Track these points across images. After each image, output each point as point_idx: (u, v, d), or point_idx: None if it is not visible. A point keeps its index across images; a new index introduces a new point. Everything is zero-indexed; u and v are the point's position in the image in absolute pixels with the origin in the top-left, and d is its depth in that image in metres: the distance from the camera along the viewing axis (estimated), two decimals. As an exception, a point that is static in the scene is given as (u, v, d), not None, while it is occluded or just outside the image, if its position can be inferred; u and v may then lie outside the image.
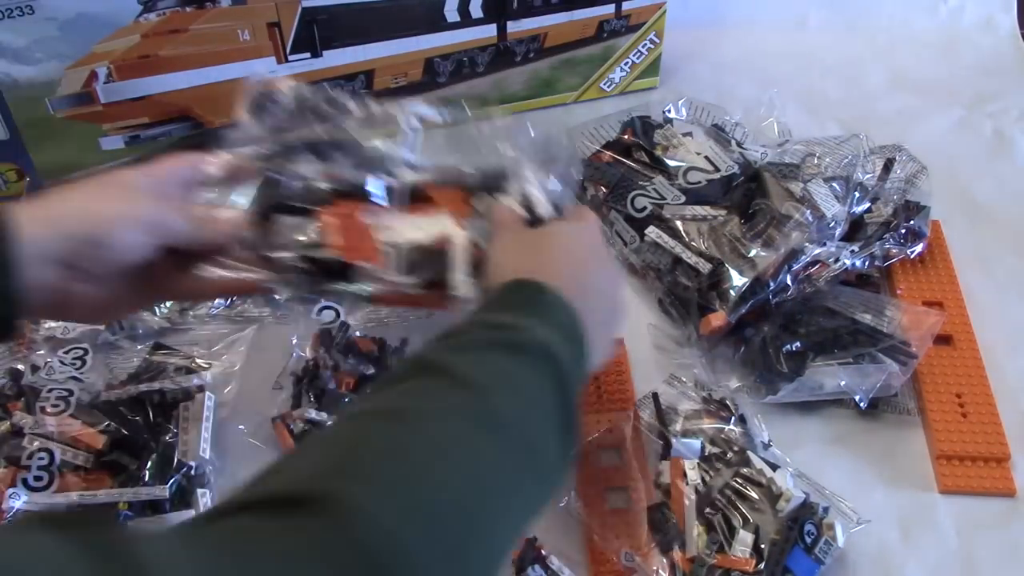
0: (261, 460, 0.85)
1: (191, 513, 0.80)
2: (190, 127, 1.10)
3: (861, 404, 0.88)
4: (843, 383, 0.87)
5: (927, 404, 0.90)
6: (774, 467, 0.81)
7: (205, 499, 0.82)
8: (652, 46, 1.23)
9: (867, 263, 0.96)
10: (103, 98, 1.04)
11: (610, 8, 1.18)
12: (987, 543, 0.82)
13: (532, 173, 0.78)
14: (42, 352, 0.92)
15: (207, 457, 0.84)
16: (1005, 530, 0.83)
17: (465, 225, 0.76)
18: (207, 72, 1.07)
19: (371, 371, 0.90)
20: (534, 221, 0.74)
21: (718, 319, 0.91)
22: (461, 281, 0.74)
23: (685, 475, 0.81)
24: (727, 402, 0.89)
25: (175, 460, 0.83)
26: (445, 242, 0.75)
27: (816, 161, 1.03)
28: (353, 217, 0.78)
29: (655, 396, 0.89)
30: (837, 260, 0.93)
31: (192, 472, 0.83)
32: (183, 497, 0.82)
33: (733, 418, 0.86)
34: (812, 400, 0.90)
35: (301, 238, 0.76)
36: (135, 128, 1.08)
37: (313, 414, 0.87)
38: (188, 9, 1.01)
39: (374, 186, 0.79)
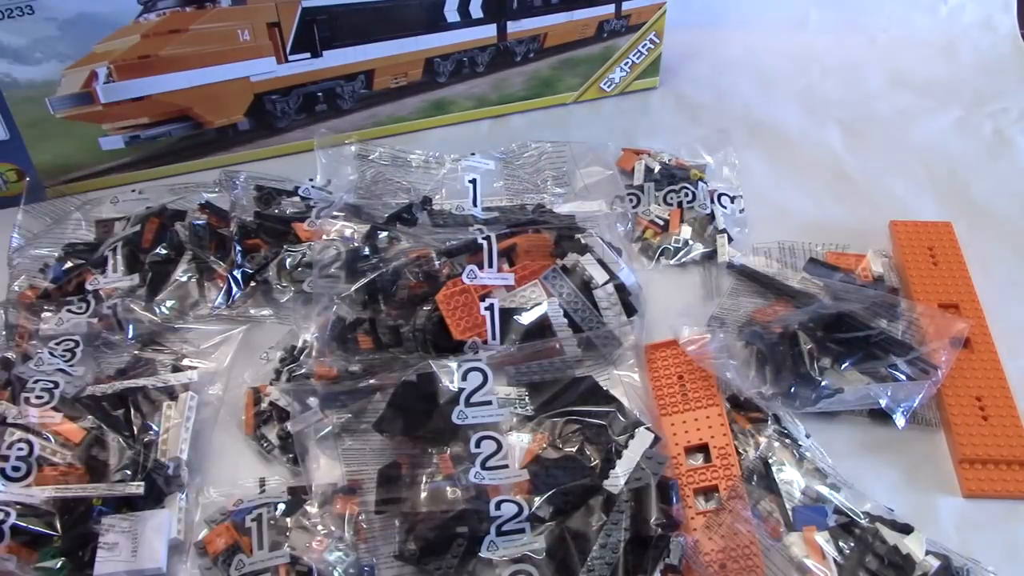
0: (240, 460, 0.84)
1: (164, 512, 0.77)
2: (190, 127, 1.08)
3: (901, 420, 0.83)
4: (885, 402, 0.82)
5: (948, 409, 0.86)
6: (906, 530, 0.75)
7: (180, 500, 0.79)
8: (652, 46, 1.20)
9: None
10: (103, 98, 1.02)
11: (610, 8, 1.15)
12: (987, 543, 0.78)
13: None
14: (35, 343, 0.90)
15: (184, 457, 0.81)
16: (1005, 530, 0.80)
17: (551, 290, 0.88)
18: (207, 72, 1.04)
19: (355, 367, 0.87)
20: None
21: None
22: (563, 340, 0.87)
23: (823, 550, 0.73)
24: (756, 404, 0.84)
25: (153, 458, 0.80)
26: (539, 308, 0.88)
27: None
28: (459, 294, 0.87)
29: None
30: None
31: (169, 471, 0.80)
32: (158, 496, 0.79)
33: (769, 419, 0.83)
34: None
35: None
36: (135, 128, 1.06)
37: (281, 400, 0.84)
38: (188, 9, 0.99)
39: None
